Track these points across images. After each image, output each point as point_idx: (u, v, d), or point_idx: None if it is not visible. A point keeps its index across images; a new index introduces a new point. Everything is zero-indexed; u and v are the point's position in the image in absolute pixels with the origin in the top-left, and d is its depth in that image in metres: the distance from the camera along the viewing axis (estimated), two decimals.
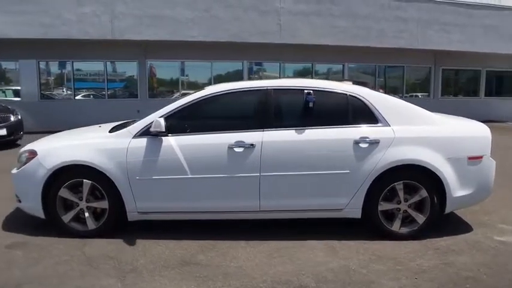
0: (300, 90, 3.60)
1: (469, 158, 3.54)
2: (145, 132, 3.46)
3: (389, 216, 3.56)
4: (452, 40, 13.58)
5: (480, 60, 14.97)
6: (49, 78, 12.69)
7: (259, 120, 3.48)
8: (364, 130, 3.48)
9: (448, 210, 3.60)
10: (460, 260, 3.17)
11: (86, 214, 3.51)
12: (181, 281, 2.79)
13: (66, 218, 3.53)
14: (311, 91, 3.54)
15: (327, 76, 14.67)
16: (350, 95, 3.60)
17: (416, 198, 3.53)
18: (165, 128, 3.31)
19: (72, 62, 12.31)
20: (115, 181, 3.40)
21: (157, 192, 3.44)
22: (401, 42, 13.32)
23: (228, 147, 3.38)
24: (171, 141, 3.40)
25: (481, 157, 3.57)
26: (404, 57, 14.40)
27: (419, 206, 3.55)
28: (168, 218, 3.60)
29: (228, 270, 2.96)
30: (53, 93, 12.74)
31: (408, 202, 3.53)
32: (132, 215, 3.52)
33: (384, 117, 3.54)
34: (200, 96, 3.56)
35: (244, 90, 3.62)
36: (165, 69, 13.32)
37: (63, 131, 4.63)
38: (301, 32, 12.52)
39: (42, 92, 12.39)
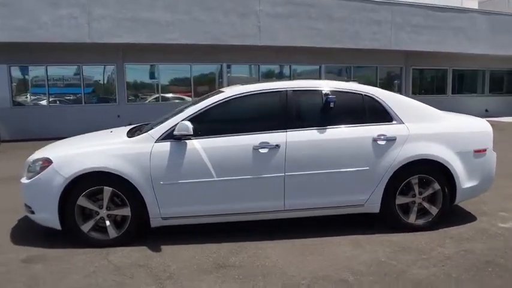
0: (317, 91, 3.71)
1: (475, 151, 3.78)
2: (168, 136, 3.43)
3: (405, 209, 3.74)
4: (423, 41, 14.24)
5: (447, 60, 15.79)
6: (21, 84, 12.11)
7: (281, 121, 3.54)
8: (381, 128, 3.64)
9: (457, 201, 3.84)
10: (476, 247, 3.38)
11: (107, 222, 3.43)
12: (223, 284, 2.80)
13: (86, 227, 3.43)
14: (329, 91, 3.66)
15: (304, 77, 14.95)
16: (365, 95, 3.75)
17: (429, 191, 3.73)
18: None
19: (46, 66, 11.82)
20: (138, 187, 3.35)
21: (182, 196, 3.42)
22: (376, 43, 13.81)
23: (253, 149, 3.42)
24: (196, 144, 3.40)
25: (485, 150, 3.83)
26: (378, 57, 14.94)
27: (432, 199, 3.76)
28: (192, 223, 3.57)
29: (265, 270, 3.00)
30: (26, 99, 12.17)
31: (422, 195, 3.73)
32: (155, 221, 3.48)
33: (397, 115, 3.71)
34: (221, 98, 3.58)
35: (265, 92, 3.68)
36: (143, 73, 13.07)
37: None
38: (280, 34, 12.70)
39: (14, 98, 11.81)
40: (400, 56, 15.27)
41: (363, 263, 3.10)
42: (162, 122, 3.67)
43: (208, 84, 13.98)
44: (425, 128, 3.71)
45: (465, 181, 3.76)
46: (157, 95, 13.06)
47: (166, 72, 13.27)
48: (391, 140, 3.60)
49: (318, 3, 12.96)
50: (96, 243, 3.44)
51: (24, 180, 3.59)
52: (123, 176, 3.33)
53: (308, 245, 3.44)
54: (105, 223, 3.44)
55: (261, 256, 3.24)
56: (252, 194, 3.48)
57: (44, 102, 12.12)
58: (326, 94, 3.64)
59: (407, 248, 3.37)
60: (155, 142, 3.42)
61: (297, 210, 3.60)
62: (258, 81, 14.03)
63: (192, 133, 3.29)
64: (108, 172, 3.34)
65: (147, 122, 4.55)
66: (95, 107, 12.45)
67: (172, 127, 3.43)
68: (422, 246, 3.41)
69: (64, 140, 4.34)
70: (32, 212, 3.53)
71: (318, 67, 14.93)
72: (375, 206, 3.67)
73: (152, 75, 13.01)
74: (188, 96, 13.45)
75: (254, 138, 3.45)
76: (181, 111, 3.72)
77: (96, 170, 3.34)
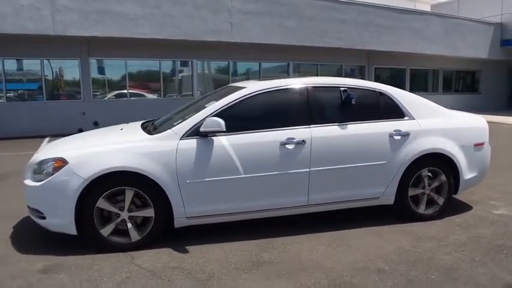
0: (336, 88, 3.80)
1: (475, 145, 4.09)
2: (193, 133, 3.34)
3: (415, 200, 3.95)
4: (384, 41, 14.95)
5: (406, 60, 16.70)
6: None
7: (305, 117, 3.59)
8: (396, 124, 3.81)
9: (460, 191, 4.12)
10: (484, 232, 3.67)
11: (129, 225, 3.28)
12: (268, 281, 2.79)
13: (106, 231, 3.24)
14: (347, 88, 3.77)
15: (272, 74, 15.11)
16: (379, 92, 3.91)
17: (437, 183, 3.97)
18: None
19: (3, 59, 10.92)
20: (163, 186, 3.23)
21: (208, 194, 3.36)
22: (341, 42, 14.27)
23: (280, 144, 3.44)
24: (223, 141, 3.35)
25: (483, 144, 4.15)
26: (343, 56, 15.45)
27: (438, 190, 4.01)
28: (217, 221, 3.51)
29: (303, 265, 3.03)
30: None
31: (431, 186, 3.96)
32: (179, 221, 3.38)
33: (409, 112, 3.91)
34: (245, 94, 3.55)
35: (287, 88, 3.70)
36: (110, 68, 12.49)
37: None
38: (252, 31, 12.73)
39: None
40: (363, 54, 15.91)
41: (392, 253, 3.24)
42: (180, 119, 3.58)
43: (178, 81, 13.69)
44: (433, 124, 3.95)
45: (467, 172, 4.05)
46: (126, 90, 12.53)
47: (134, 68, 12.77)
48: (405, 135, 3.78)
49: (288, 2, 13.12)
50: (116, 247, 3.27)
51: (30, 182, 3.33)
52: (148, 176, 3.20)
53: (334, 239, 3.53)
54: (125, 226, 3.29)
55: (292, 251, 3.28)
56: (278, 190, 3.50)
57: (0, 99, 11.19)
58: (345, 91, 3.75)
59: (424, 237, 3.57)
60: (180, 139, 3.32)
61: (319, 205, 3.67)
62: (228, 78, 13.98)
63: (225, 129, 3.23)
64: (130, 171, 3.19)
65: (153, 119, 4.39)
66: (58, 103, 11.71)
67: (197, 124, 3.35)
68: (437, 235, 3.63)
69: (66, 138, 4.07)
70: (42, 217, 3.27)
71: (286, 64, 15.14)
72: (389, 198, 3.85)
73: (119, 71, 12.45)
74: (158, 93, 13.07)
75: (280, 134, 3.47)
76: (200, 107, 3.64)
77: (119, 169, 3.17)
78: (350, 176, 3.65)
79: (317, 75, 15.63)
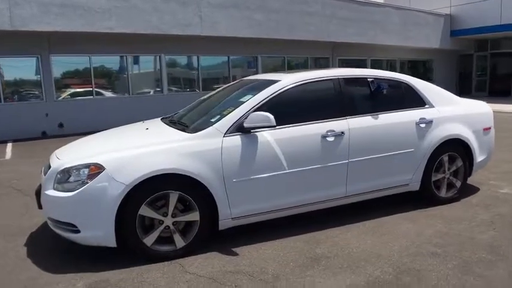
0: (364, 79, 3.84)
1: (484, 129, 4.34)
2: (235, 129, 3.22)
3: (436, 184, 4.13)
4: (348, 33, 15.38)
5: (367, 51, 17.31)
6: None
7: (340, 109, 3.60)
8: (420, 112, 3.94)
9: (473, 174, 4.36)
10: (504, 211, 3.92)
11: (173, 231, 3.09)
12: (336, 276, 2.77)
13: (149, 240, 3.02)
14: (376, 79, 3.83)
15: (242, 68, 15.02)
16: (402, 81, 4.02)
17: (454, 167, 4.18)
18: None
19: None
20: (209, 187, 3.08)
21: (254, 193, 3.26)
22: (309, 35, 14.46)
23: (321, 137, 3.42)
24: (267, 136, 3.26)
25: (490, 128, 4.42)
26: (308, 48, 15.68)
27: (455, 173, 4.22)
28: (261, 220, 3.41)
29: (362, 256, 3.05)
30: None
31: (450, 171, 4.16)
32: (224, 223, 3.24)
33: (428, 100, 4.06)
34: (282, 87, 3.47)
35: (321, 80, 3.67)
36: (73, 65, 11.68)
37: None
38: (221, 24, 12.51)
39: None
40: (328, 46, 16.24)
41: (434, 236, 3.37)
42: (206, 115, 3.46)
43: (147, 77, 13.14)
44: (450, 111, 4.13)
45: (478, 156, 4.30)
46: (90, 87, 11.78)
47: (99, 64, 12.04)
48: (429, 123, 3.92)
49: None
50: (160, 256, 3.07)
51: (55, 193, 3.01)
52: (193, 177, 3.03)
53: (372, 227, 3.59)
54: (169, 232, 3.10)
55: (341, 243, 3.29)
56: (319, 184, 3.48)
57: None
58: (372, 82, 3.80)
59: (453, 219, 3.74)
60: (224, 136, 3.18)
61: (355, 195, 3.71)
62: (198, 73, 13.65)
63: (275, 124, 3.13)
64: (175, 174, 3.01)
65: (168, 115, 4.18)
66: (17, 105, 10.77)
67: (239, 119, 3.23)
68: (463, 216, 3.82)
69: (78, 143, 3.76)
70: (76, 231, 2.97)
71: (253, 58, 15.08)
72: (416, 185, 3.98)
73: (83, 68, 11.68)
74: (125, 91, 12.45)
75: (321, 127, 3.44)
76: (229, 102, 3.52)
77: (165, 172, 2.97)
78: (383, 165, 3.73)
79: (285, 68, 15.78)
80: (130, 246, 3.02)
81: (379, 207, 4.03)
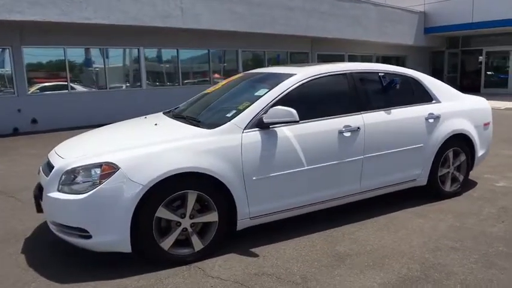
0: (375, 73, 3.81)
1: (484, 124, 4.44)
2: (254, 125, 3.09)
3: (441, 179, 4.17)
4: (327, 28, 15.46)
5: (345, 46, 17.50)
6: None
7: (355, 104, 3.55)
8: (428, 107, 3.97)
9: (474, 167, 4.46)
10: (506, 203, 4.03)
11: (191, 233, 2.93)
12: (364, 274, 2.73)
13: (167, 244, 2.85)
14: (386, 73, 3.80)
15: (222, 62, 14.80)
16: (410, 77, 4.02)
17: (458, 162, 4.25)
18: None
19: None
20: (229, 186, 2.95)
21: (273, 191, 3.15)
22: (290, 29, 14.42)
23: (338, 133, 3.36)
24: (285, 131, 3.16)
25: (489, 123, 4.52)
26: (289, 43, 15.65)
27: (458, 168, 4.29)
28: (278, 218, 3.31)
29: (383, 253, 3.02)
30: None
31: (454, 165, 4.23)
32: (243, 223, 3.12)
33: (435, 95, 4.09)
34: (298, 80, 3.37)
35: (334, 74, 3.60)
36: (47, 58, 11.07)
37: None
38: (203, 17, 12.22)
39: None
40: (307, 41, 16.28)
41: (448, 231, 3.40)
42: (228, 109, 3.31)
43: (125, 71, 12.68)
44: (454, 106, 4.19)
45: (479, 150, 4.39)
46: (65, 83, 11.21)
47: (74, 57, 11.47)
48: (437, 118, 3.96)
49: None
50: (178, 261, 2.90)
51: (62, 195, 2.78)
52: (214, 176, 2.89)
53: (385, 223, 3.59)
54: (185, 235, 2.94)
55: (360, 240, 3.25)
56: (336, 180, 3.43)
57: None
58: (384, 76, 3.78)
59: (462, 213, 3.80)
60: (243, 132, 3.05)
61: (368, 191, 3.69)
62: (177, 66, 13.31)
63: (298, 119, 3.03)
64: (193, 173, 2.85)
65: (169, 109, 4.00)
66: None
67: (257, 114, 3.11)
68: (470, 209, 3.89)
69: (81, 138, 3.52)
70: (87, 237, 2.75)
71: (234, 51, 14.89)
72: (424, 180, 4.02)
73: (58, 61, 11.08)
74: (102, 86, 11.94)
75: (338, 122, 3.38)
76: (248, 96, 3.38)
77: (185, 171, 2.80)
78: (395, 160, 3.73)
79: (265, 63, 15.69)
80: (145, 250, 2.85)
81: (386, 204, 4.02)
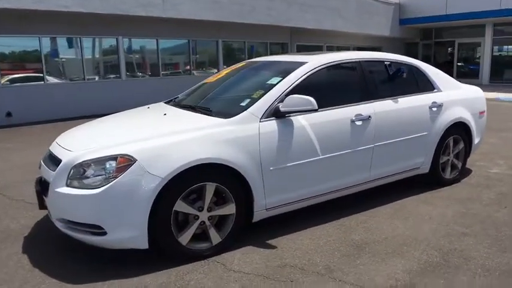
0: (382, 62, 3.83)
1: (480, 113, 4.57)
2: (270, 114, 3.03)
3: (442, 166, 4.27)
4: (307, 19, 15.48)
5: (324, 37, 17.59)
6: None
7: (365, 92, 3.56)
8: (431, 96, 4.04)
9: (470, 155, 4.58)
10: (504, 189, 4.18)
11: (209, 226, 2.86)
12: (386, 262, 2.75)
13: (185, 238, 2.76)
14: (392, 62, 3.82)
15: (204, 52, 14.56)
16: (413, 65, 4.07)
17: (457, 149, 4.36)
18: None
19: None
20: (247, 177, 2.88)
21: (289, 181, 3.12)
22: (270, 19, 14.33)
23: (351, 121, 3.36)
24: (301, 120, 3.11)
25: (484, 112, 4.65)
26: (269, 33, 15.57)
27: (457, 155, 4.40)
28: (293, 209, 3.28)
29: (400, 240, 3.06)
30: None
31: (454, 153, 4.33)
32: (259, 214, 3.07)
33: (437, 84, 4.17)
34: (312, 69, 3.33)
35: (345, 62, 3.59)
36: (21, 47, 10.49)
37: None
38: (184, 6, 11.94)
39: None
40: (287, 32, 16.25)
41: (456, 216, 3.49)
42: (241, 97, 3.24)
43: (103, 61, 12.21)
44: (455, 95, 4.28)
45: (475, 138, 4.52)
46: (41, 75, 10.68)
47: (51, 46, 10.93)
48: (439, 107, 4.03)
49: None
50: (195, 255, 2.82)
51: (73, 190, 2.63)
52: (232, 167, 2.81)
53: (394, 211, 3.65)
54: (203, 228, 2.86)
55: (374, 229, 3.28)
56: (348, 169, 3.44)
57: None
58: (390, 65, 3.79)
59: (464, 200, 3.91)
60: (260, 121, 2.98)
61: (376, 179, 3.72)
62: (157, 57, 12.96)
63: (317, 107, 2.98)
64: (212, 164, 2.76)
65: (170, 99, 3.88)
66: None
67: (273, 103, 3.04)
68: (471, 196, 4.01)
69: (84, 130, 3.34)
70: (102, 234, 2.62)
71: (215, 42, 14.67)
72: (426, 167, 4.10)
73: (32, 50, 10.52)
74: (80, 77, 11.46)
75: (350, 111, 3.37)
76: (260, 85, 3.31)
77: (204, 162, 2.71)
78: (401, 148, 3.77)
79: (245, 54, 15.55)
80: (163, 246, 2.75)
81: (389, 192, 4.05)
